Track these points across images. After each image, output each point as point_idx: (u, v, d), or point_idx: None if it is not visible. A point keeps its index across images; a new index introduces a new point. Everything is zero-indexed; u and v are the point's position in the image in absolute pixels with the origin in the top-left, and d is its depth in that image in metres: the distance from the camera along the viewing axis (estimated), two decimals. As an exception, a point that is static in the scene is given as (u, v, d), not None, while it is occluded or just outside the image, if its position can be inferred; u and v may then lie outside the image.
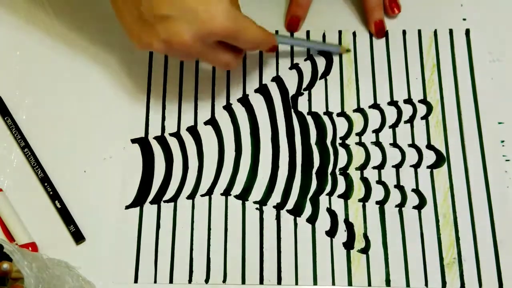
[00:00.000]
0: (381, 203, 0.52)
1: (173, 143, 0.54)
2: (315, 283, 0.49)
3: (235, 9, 0.46)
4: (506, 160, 0.53)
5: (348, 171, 0.53)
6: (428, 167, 0.53)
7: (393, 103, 0.55)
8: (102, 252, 0.51)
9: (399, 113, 0.55)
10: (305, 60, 0.57)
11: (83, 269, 0.48)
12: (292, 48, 0.58)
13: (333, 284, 0.49)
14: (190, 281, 0.50)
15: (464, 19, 0.58)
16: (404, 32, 0.58)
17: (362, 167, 0.53)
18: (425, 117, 0.55)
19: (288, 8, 0.59)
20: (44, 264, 0.44)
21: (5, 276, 0.44)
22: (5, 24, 0.59)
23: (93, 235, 0.51)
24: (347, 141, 0.54)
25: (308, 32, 0.58)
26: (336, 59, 0.57)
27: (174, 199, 0.52)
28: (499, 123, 0.54)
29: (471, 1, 0.59)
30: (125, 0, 0.46)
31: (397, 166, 0.53)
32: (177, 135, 0.55)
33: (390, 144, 0.54)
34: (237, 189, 0.53)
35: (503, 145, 0.54)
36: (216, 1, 0.45)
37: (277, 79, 0.57)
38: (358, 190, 0.52)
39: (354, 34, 0.58)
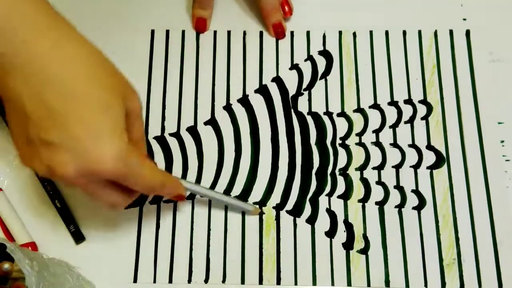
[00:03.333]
0: (381, 204, 0.52)
1: (173, 143, 0.54)
2: (314, 283, 0.49)
3: (130, 148, 0.41)
4: (506, 160, 0.53)
5: (348, 172, 0.53)
6: (428, 167, 0.53)
7: (393, 103, 0.55)
8: (102, 252, 0.51)
9: (399, 113, 0.55)
10: (305, 60, 0.57)
11: (83, 269, 0.48)
12: (292, 48, 0.58)
13: (332, 284, 0.49)
14: (189, 281, 0.50)
15: (464, 19, 0.58)
16: (404, 32, 0.58)
17: (362, 168, 0.53)
18: (425, 118, 0.55)
19: (192, 10, 0.58)
20: (44, 263, 0.44)
21: (6, 276, 0.44)
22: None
23: (93, 235, 0.51)
24: (347, 142, 0.54)
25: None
26: (336, 59, 0.57)
27: (174, 199, 0.52)
28: (499, 123, 0.54)
29: (471, 1, 0.59)
30: (16, 117, 0.41)
31: (397, 167, 0.53)
32: (177, 135, 0.55)
33: (390, 144, 0.54)
34: (237, 189, 0.53)
35: (503, 145, 0.54)
36: (108, 138, 0.40)
37: (277, 79, 0.57)
38: (358, 190, 0.52)
39: (354, 34, 0.58)
